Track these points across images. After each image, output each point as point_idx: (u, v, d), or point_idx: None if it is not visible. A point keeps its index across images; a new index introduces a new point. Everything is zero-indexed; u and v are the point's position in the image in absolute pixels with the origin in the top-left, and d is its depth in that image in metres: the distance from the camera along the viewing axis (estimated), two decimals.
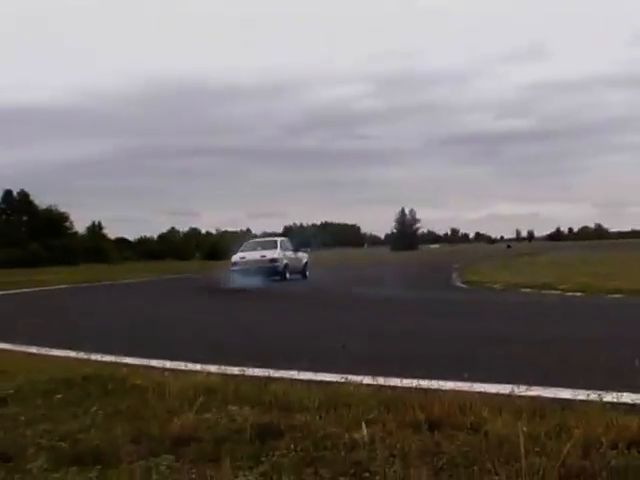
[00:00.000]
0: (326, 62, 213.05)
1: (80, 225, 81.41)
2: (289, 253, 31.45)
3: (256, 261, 29.23)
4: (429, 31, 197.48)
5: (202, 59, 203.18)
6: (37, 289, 27.90)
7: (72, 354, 7.58)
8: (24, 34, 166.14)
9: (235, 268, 29.16)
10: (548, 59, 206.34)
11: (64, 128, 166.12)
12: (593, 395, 4.93)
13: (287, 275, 29.90)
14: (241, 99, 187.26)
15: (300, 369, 6.45)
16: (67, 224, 78.20)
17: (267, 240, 34.36)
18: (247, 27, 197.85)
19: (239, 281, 26.63)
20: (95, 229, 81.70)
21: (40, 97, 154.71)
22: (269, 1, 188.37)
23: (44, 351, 8.47)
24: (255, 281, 25.98)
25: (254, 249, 31.07)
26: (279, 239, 33.44)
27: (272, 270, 29.11)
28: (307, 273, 32.66)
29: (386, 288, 23.83)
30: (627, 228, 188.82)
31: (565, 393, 5.36)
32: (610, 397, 4.90)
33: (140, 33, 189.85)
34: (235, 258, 30.08)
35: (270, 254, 29.82)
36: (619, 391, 5.02)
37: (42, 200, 76.63)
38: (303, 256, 33.35)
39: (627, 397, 4.93)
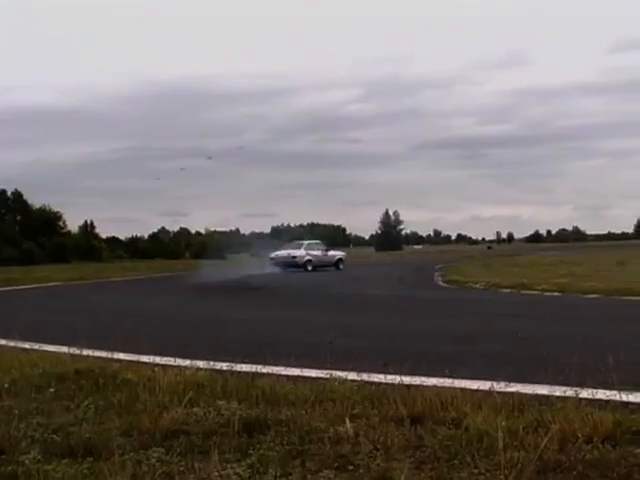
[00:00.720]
0: (315, 67, 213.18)
1: (73, 225, 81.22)
2: (316, 252, 42.65)
3: (284, 257, 41.35)
4: (415, 38, 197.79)
5: (194, 63, 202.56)
6: (36, 286, 27.76)
7: (65, 349, 7.61)
8: (20, 36, 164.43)
9: (271, 261, 40.89)
10: (529, 66, 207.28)
11: (58, 129, 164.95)
12: (570, 391, 5.04)
13: (308, 268, 40.57)
14: (232, 102, 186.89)
15: (287, 365, 6.56)
16: (60, 223, 78.05)
17: (296, 243, 45.88)
18: (239, 32, 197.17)
19: (273, 269, 38.21)
20: (87, 228, 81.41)
21: (35, 98, 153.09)
22: (260, 6, 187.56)
23: (37, 346, 8.52)
24: (283, 270, 38.01)
25: (285, 249, 43.33)
26: (306, 242, 45.29)
27: (293, 264, 40.26)
28: (341, 266, 43.02)
29: (372, 286, 24.03)
30: (604, 231, 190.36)
31: (543, 389, 5.47)
32: (586, 393, 5.01)
33: (134, 36, 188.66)
34: (272, 254, 41.96)
35: (293, 253, 41.81)
36: (594, 388, 5.15)
37: (36, 200, 76.55)
38: (336, 254, 44.73)
39: (602, 394, 5.04)
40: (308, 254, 41.79)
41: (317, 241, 48.07)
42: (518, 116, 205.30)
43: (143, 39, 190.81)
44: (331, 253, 44.48)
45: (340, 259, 44.20)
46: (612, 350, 5.91)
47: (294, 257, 41.21)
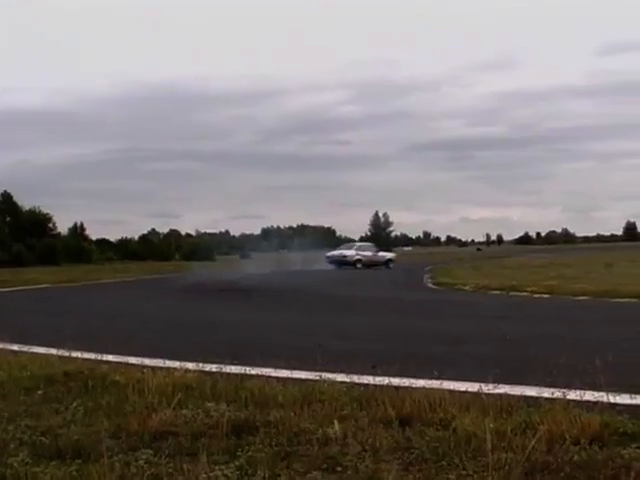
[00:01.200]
0: (305, 69, 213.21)
1: (63, 226, 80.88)
2: (367, 252, 48.31)
3: (336, 256, 47.30)
4: (404, 40, 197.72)
5: (184, 65, 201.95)
6: (25, 288, 27.62)
7: (53, 351, 7.60)
8: (8, 38, 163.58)
9: (327, 259, 46.87)
10: (518, 69, 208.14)
11: (48, 131, 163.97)
12: (558, 393, 5.06)
13: (358, 266, 45.63)
14: (222, 104, 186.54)
15: (276, 367, 6.57)
16: (50, 225, 77.72)
17: (348, 244, 53.88)
18: (229, 33, 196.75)
19: (329, 266, 44.71)
20: (77, 230, 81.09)
21: (25, 100, 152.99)
22: (251, 9, 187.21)
23: (26, 348, 8.49)
24: (336, 267, 44.52)
25: (339, 249, 49.83)
26: (358, 244, 54.24)
27: (344, 262, 45.76)
28: (390, 265, 47.62)
29: (361, 288, 24.09)
30: (593, 233, 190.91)
31: (531, 391, 5.50)
32: (574, 395, 5.04)
33: (123, 38, 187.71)
34: (328, 253, 48.43)
35: (345, 252, 47.96)
36: (582, 389, 5.17)
37: (25, 201, 76.27)
38: (386, 254, 50.55)
39: (590, 395, 5.06)
40: (358, 254, 47.33)
41: (369, 244, 56.89)
42: (506, 118, 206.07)
43: (132, 41, 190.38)
44: (381, 254, 50.32)
45: (390, 259, 49.48)
46: (600, 351, 5.95)
47: (345, 256, 46.99)
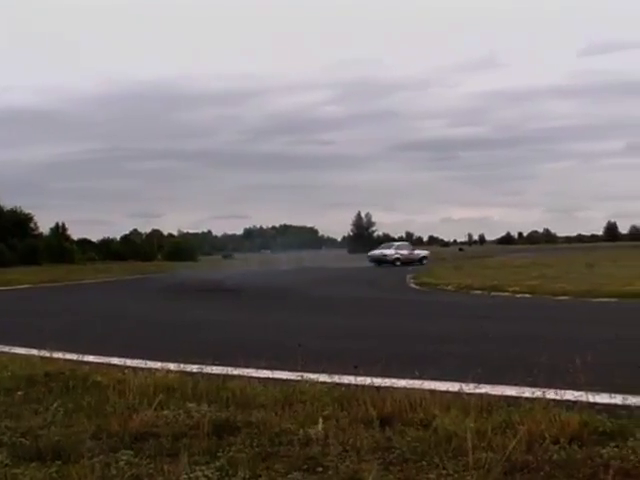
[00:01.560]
0: (289, 69, 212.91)
1: (45, 226, 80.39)
2: (404, 251, 52.04)
3: (378, 255, 51.63)
4: (388, 40, 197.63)
5: (167, 64, 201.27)
6: (6, 288, 27.42)
7: (35, 352, 7.57)
8: None
9: (368, 257, 51.73)
10: (501, 69, 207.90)
11: (29, 130, 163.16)
12: (538, 392, 5.10)
13: (397, 264, 48.40)
14: (206, 104, 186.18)
15: (258, 367, 6.58)
16: (32, 225, 77.29)
17: (388, 244, 57.84)
18: (212, 32, 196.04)
19: (370, 263, 49.44)
20: (59, 230, 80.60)
21: (6, 99, 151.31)
22: (232, 7, 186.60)
23: (7, 349, 8.44)
24: (377, 265, 48.52)
25: (379, 249, 54.10)
26: (396, 243, 57.91)
27: (385, 260, 49.51)
28: (424, 262, 49.75)
29: (342, 288, 24.13)
30: (574, 233, 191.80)
31: (512, 390, 5.53)
32: (554, 394, 5.08)
33: (107, 37, 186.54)
34: (369, 252, 53.64)
35: (385, 252, 51.90)
36: (562, 389, 5.21)
37: (7, 201, 75.76)
38: (420, 252, 54.48)
39: (569, 394, 5.10)
40: (397, 253, 51.30)
41: (406, 243, 62.35)
42: (490, 118, 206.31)
43: (115, 40, 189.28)
44: (416, 252, 54.33)
45: (424, 257, 52.76)
46: (580, 351, 5.98)
47: (385, 255, 50.96)
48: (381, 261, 49.73)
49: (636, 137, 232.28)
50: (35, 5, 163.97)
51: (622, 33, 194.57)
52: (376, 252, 53.01)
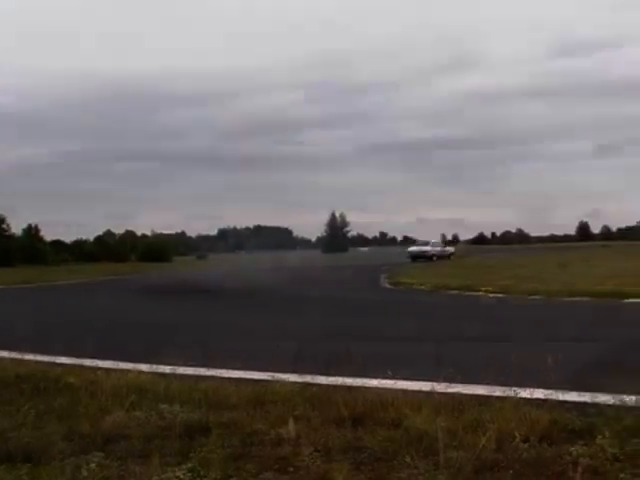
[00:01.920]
0: (263, 69, 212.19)
1: (17, 228, 79.71)
2: (437, 248, 60.12)
3: (417, 251, 58.38)
4: (362, 41, 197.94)
5: (140, 64, 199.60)
6: None
7: (6, 354, 7.51)
8: None
9: (407, 254, 57.86)
10: (474, 70, 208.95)
11: (1, 131, 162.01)
12: (509, 391, 5.14)
13: (434, 259, 54.51)
14: (179, 105, 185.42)
15: (230, 367, 6.56)
16: (4, 226, 76.63)
17: (424, 242, 63.83)
18: (185, 32, 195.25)
19: (410, 259, 54.94)
20: (32, 231, 79.91)
21: None
22: (207, 8, 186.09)
23: None
24: (415, 259, 54.50)
25: (417, 246, 61.53)
26: (432, 241, 63.99)
27: (423, 256, 55.62)
28: (451, 257, 58.25)
29: (317, 289, 24.13)
30: (546, 233, 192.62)
31: (483, 390, 5.54)
32: (525, 393, 5.11)
33: (78, 36, 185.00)
34: (409, 248, 61.21)
35: (423, 248, 58.93)
36: (533, 387, 5.25)
37: None
38: (449, 249, 63.35)
39: (540, 393, 5.15)
40: (433, 249, 58.90)
41: (438, 241, 70.16)
42: (463, 119, 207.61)
43: (89, 39, 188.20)
44: (447, 249, 63.22)
45: (452, 253, 61.87)
46: (552, 350, 6.04)
47: (424, 252, 57.56)
48: (420, 257, 55.53)
49: (606, 138, 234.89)
50: (10, 4, 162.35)
51: (592, 34, 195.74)
52: (415, 249, 60.12)
